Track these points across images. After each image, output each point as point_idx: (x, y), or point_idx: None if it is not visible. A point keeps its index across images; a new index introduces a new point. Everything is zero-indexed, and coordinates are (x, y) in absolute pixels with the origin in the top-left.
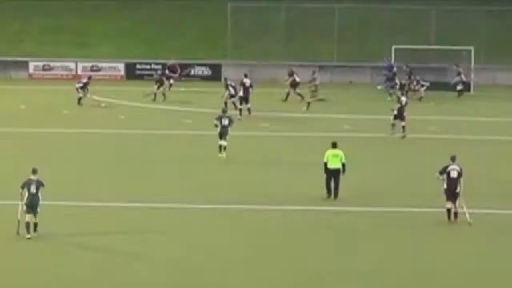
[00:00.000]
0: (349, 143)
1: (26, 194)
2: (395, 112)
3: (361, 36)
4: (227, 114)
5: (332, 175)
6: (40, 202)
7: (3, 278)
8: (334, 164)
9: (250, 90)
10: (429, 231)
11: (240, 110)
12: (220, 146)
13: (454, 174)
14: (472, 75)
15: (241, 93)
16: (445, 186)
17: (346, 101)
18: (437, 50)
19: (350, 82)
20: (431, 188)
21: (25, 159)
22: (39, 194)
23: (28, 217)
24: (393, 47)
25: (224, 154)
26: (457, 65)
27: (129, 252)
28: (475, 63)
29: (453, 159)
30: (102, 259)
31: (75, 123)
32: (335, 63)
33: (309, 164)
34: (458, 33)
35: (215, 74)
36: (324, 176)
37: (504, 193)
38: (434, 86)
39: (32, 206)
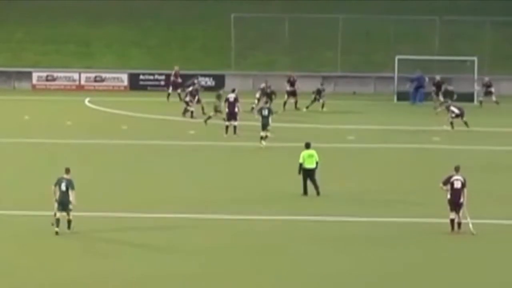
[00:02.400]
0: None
1: (58, 192)
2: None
3: (365, 46)
4: (267, 106)
5: (308, 174)
6: (71, 200)
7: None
8: (310, 164)
9: (237, 105)
10: (433, 242)
11: (227, 127)
12: (261, 137)
13: (458, 185)
14: (475, 85)
15: (226, 109)
16: (448, 196)
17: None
18: (441, 60)
19: (354, 92)
20: (435, 198)
21: (30, 169)
22: (69, 192)
23: (60, 215)
24: (397, 57)
25: (264, 143)
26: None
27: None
28: (478, 73)
29: (456, 169)
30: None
31: (78, 134)
32: (339, 74)
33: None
34: (462, 44)
35: (219, 85)
36: (300, 176)
37: (507, 202)
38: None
39: (62, 203)
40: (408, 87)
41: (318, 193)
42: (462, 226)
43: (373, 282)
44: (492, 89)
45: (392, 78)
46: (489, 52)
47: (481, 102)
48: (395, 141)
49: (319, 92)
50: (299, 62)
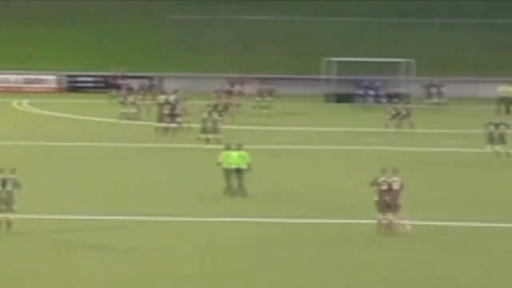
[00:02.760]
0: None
1: (3, 192)
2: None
3: (295, 48)
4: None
5: (234, 174)
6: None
7: None
8: (239, 164)
9: (177, 106)
10: (370, 243)
11: (166, 129)
12: (207, 139)
13: (396, 186)
14: (408, 87)
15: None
16: (376, 198)
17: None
18: (374, 62)
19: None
20: (366, 199)
21: None
22: (14, 192)
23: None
24: (331, 59)
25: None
26: (431, 79)
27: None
28: (416, 75)
29: (394, 171)
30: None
31: (8, 136)
32: (278, 75)
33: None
34: (399, 46)
35: (156, 86)
36: (223, 176)
37: (446, 203)
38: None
39: (7, 203)
40: (358, 89)
41: (243, 194)
42: (396, 227)
43: (299, 283)
44: (434, 90)
45: (325, 80)
46: (426, 54)
47: (436, 103)
48: (331, 143)
49: (269, 93)
50: (238, 64)
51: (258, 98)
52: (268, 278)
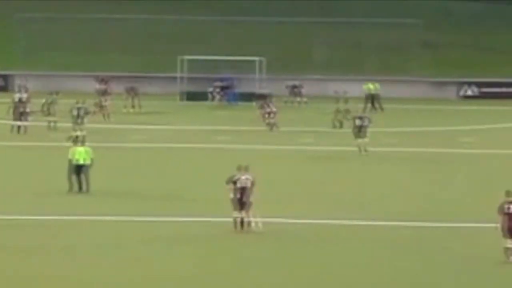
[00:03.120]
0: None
1: None
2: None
3: (150, 47)
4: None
5: (81, 170)
6: None
7: None
8: (83, 160)
9: (28, 105)
10: (222, 241)
11: (18, 127)
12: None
13: (247, 183)
14: (260, 85)
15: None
16: (232, 195)
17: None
18: (227, 60)
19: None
20: (221, 196)
21: None
22: None
23: None
24: (183, 57)
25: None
26: (293, 79)
27: None
28: (263, 73)
29: (245, 168)
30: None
31: None
32: (125, 74)
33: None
34: (247, 44)
35: (6, 85)
36: (67, 171)
37: (296, 201)
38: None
39: None
40: (213, 89)
41: (87, 190)
42: (248, 224)
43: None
44: (296, 90)
45: (178, 78)
46: (275, 52)
47: (291, 102)
48: (183, 141)
49: (133, 90)
50: (84, 62)
51: (125, 97)
52: (118, 278)
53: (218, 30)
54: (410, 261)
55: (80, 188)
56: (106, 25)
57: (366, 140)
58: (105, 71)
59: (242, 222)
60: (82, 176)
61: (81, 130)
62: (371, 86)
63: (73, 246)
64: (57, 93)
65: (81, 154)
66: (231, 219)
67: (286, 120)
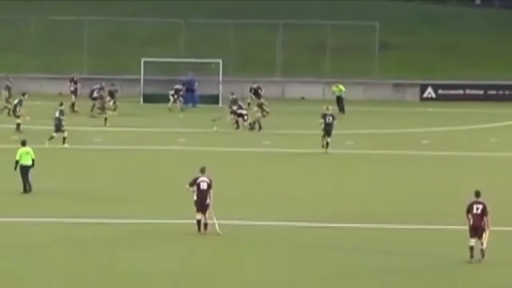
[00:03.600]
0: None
1: None
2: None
3: (111, 48)
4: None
5: (25, 171)
6: None
7: None
8: (26, 161)
9: None
10: (181, 242)
11: None
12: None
13: (204, 186)
14: (220, 87)
15: None
16: (195, 197)
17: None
18: (187, 62)
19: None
20: (179, 198)
21: None
22: None
23: None
24: (143, 59)
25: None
26: (254, 82)
27: None
28: (223, 75)
29: (202, 171)
30: None
31: None
32: (85, 76)
33: None
34: (207, 46)
35: None
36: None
37: (248, 203)
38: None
39: None
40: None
41: (30, 190)
42: (208, 227)
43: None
44: (261, 92)
45: (139, 80)
46: (233, 54)
47: (249, 104)
48: (142, 143)
49: (111, 94)
50: (46, 65)
51: (109, 99)
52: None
53: (179, 32)
54: (357, 263)
55: (25, 189)
56: (67, 27)
57: (329, 139)
58: (67, 73)
59: (205, 225)
60: (27, 177)
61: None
62: (341, 87)
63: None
64: (23, 94)
65: (23, 155)
66: (181, 221)
67: None
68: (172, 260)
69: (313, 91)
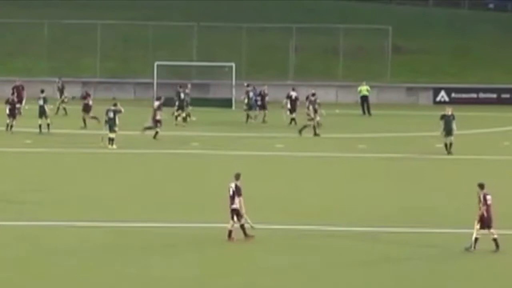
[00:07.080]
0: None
1: None
2: None
3: (123, 52)
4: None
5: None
6: None
7: None
8: None
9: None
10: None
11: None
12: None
13: (230, 192)
14: (233, 91)
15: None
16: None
17: None
18: (199, 66)
19: (114, 98)
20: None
21: None
22: None
23: None
24: (156, 63)
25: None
26: (248, 85)
27: None
28: (236, 79)
29: (236, 177)
30: None
31: None
32: (98, 79)
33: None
34: (220, 50)
35: None
36: None
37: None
38: (197, 102)
39: None
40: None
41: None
42: (233, 233)
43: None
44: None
45: (151, 83)
46: (245, 58)
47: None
48: (156, 147)
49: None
50: (58, 68)
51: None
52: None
53: (192, 35)
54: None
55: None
56: (80, 30)
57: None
58: (79, 76)
59: (229, 232)
60: None
61: None
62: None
63: None
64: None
65: None
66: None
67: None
68: (193, 266)
69: (326, 94)
